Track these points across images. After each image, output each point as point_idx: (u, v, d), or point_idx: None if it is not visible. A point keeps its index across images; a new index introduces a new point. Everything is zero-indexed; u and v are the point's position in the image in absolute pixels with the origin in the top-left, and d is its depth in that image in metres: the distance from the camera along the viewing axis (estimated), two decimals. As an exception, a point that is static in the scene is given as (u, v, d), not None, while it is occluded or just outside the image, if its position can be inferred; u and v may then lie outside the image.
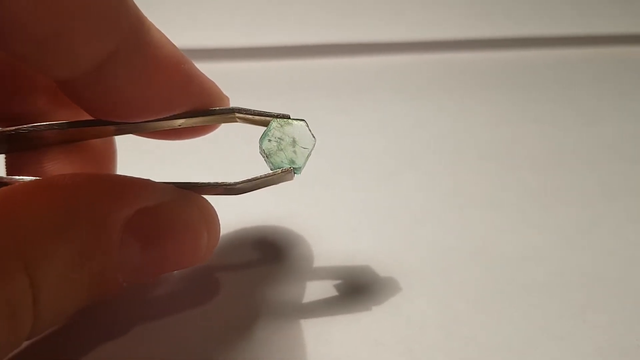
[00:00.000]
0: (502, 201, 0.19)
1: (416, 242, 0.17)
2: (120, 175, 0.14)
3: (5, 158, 0.15)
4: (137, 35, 0.12)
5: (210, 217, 0.14)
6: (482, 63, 0.30)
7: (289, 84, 0.27)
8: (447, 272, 0.16)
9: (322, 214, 0.19)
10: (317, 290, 0.15)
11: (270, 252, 0.17)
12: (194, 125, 0.14)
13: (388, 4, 0.34)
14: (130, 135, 0.15)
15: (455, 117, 0.25)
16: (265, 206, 0.18)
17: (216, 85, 0.14)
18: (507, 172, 0.21)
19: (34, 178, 0.14)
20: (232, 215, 0.17)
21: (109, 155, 0.16)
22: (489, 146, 0.23)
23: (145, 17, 0.13)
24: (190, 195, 0.14)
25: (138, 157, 0.18)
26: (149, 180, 0.13)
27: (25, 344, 0.12)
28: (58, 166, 0.15)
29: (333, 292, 0.15)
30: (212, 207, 0.14)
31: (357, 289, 0.16)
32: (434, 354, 0.14)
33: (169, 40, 0.13)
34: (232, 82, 0.27)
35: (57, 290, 0.11)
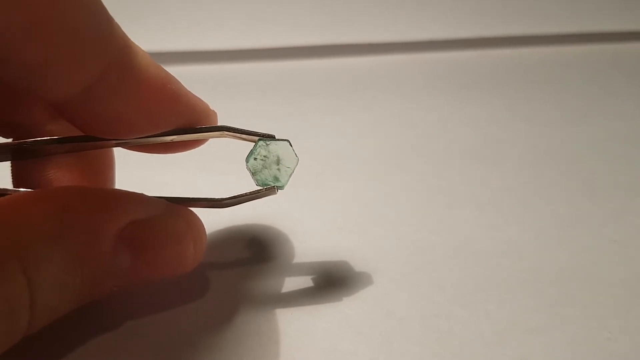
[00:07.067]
0: (486, 200, 0.20)
1: (399, 239, 0.18)
2: (116, 190, 0.14)
3: (11, 168, 0.16)
4: (124, 59, 0.13)
5: (196, 230, 0.14)
6: (470, 62, 0.29)
7: (279, 85, 0.27)
8: (428, 268, 0.17)
9: (310, 213, 0.19)
10: (303, 285, 0.16)
11: (259, 250, 0.18)
12: (185, 139, 0.15)
13: (377, 4, 0.33)
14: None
15: (443, 117, 0.25)
16: (254, 206, 0.19)
17: (203, 102, 0.15)
18: (493, 171, 0.21)
19: (31, 190, 0.14)
20: (222, 214, 0.17)
21: (108, 164, 0.17)
22: (475, 146, 0.23)
23: (132, 41, 0.13)
24: (179, 209, 0.14)
25: (136, 168, 0.18)
26: (142, 194, 0.14)
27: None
28: (59, 174, 0.16)
29: (318, 287, 0.16)
30: (200, 220, 0.15)
31: (341, 283, 0.16)
32: (411, 346, 0.14)
33: (154, 62, 0.14)
34: (225, 83, 0.27)
35: (52, 291, 0.12)
